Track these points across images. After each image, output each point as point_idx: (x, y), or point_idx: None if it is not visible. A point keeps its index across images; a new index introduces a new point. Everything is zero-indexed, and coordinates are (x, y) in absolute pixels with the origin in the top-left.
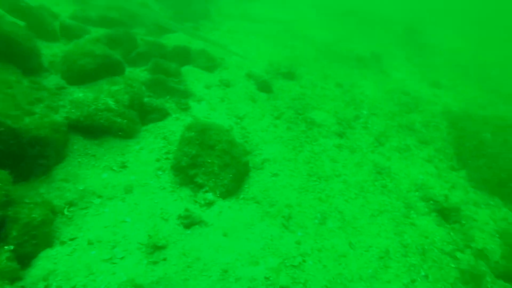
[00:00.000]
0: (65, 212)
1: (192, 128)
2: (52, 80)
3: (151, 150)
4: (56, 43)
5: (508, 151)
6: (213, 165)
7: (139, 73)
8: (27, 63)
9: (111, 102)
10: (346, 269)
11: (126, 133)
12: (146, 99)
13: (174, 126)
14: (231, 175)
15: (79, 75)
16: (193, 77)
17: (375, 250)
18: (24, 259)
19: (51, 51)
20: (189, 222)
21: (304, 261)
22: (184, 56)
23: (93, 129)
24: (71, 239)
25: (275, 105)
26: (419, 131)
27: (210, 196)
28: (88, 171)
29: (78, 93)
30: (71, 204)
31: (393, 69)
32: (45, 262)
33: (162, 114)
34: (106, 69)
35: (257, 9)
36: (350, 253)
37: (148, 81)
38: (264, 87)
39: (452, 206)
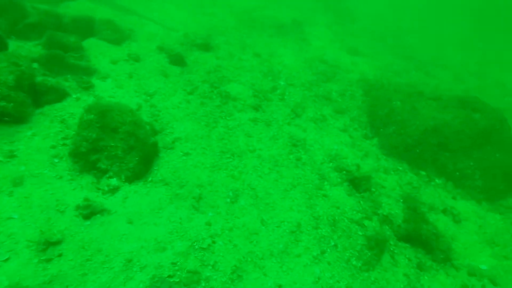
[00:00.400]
0: None
1: (92, 110)
2: None
3: (46, 135)
4: None
5: (414, 118)
6: (117, 149)
7: (30, 49)
8: None
9: None
10: (257, 246)
11: (15, 118)
12: (39, 79)
13: (74, 107)
14: (137, 158)
15: None
16: (98, 52)
17: (287, 225)
18: None
19: None
20: (89, 212)
21: (214, 242)
22: (86, 27)
23: None
24: None
25: (189, 80)
26: (335, 101)
27: (114, 181)
28: None
29: None
30: None
31: (314, 37)
32: None
33: (60, 95)
34: None
35: None
36: (261, 230)
37: (43, 58)
38: (177, 60)
39: (363, 175)
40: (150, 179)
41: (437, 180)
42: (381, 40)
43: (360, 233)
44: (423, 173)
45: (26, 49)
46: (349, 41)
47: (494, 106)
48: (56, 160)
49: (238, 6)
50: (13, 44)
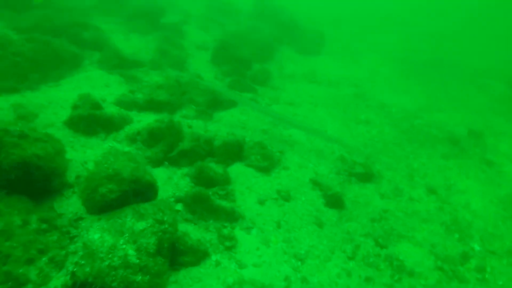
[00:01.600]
0: None
1: None
2: (73, 205)
3: None
4: (92, 139)
5: None
6: None
7: (178, 183)
8: (46, 186)
9: (131, 252)
10: None
11: None
12: (180, 231)
13: (211, 278)
14: None
15: (100, 206)
16: (244, 184)
17: None
18: None
19: (83, 155)
20: None
21: None
22: (234, 152)
23: None
24: None
25: (348, 231)
26: None
27: None
28: None
29: (94, 233)
30: None
31: (503, 156)
32: None
33: (198, 257)
34: (134, 195)
35: (323, 64)
36: None
37: (188, 198)
38: (334, 201)
39: None
40: None
41: None
42: None
43: None
44: None
45: (174, 183)
46: None
47: None
48: None
49: (395, 108)
50: (164, 174)
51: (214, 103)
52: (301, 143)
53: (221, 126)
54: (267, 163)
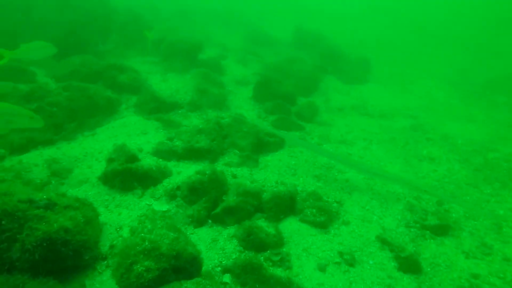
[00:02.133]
0: None
1: None
2: (106, 283)
3: None
4: (128, 196)
5: None
6: None
7: (224, 247)
8: (76, 262)
9: None
10: None
11: None
12: None
13: None
14: None
15: (136, 287)
16: (300, 245)
17: None
18: None
19: (118, 217)
20: None
21: None
22: (286, 205)
23: None
24: None
25: None
26: None
27: None
28: None
29: None
30: None
31: None
32: None
33: None
34: (174, 271)
35: (372, 94)
36: None
37: (237, 267)
38: (409, 265)
39: None
40: None
41: None
42: None
43: None
44: None
45: (220, 248)
46: None
47: None
48: None
49: (462, 140)
50: (208, 235)
51: (259, 146)
52: (360, 189)
53: (269, 174)
54: (324, 218)
